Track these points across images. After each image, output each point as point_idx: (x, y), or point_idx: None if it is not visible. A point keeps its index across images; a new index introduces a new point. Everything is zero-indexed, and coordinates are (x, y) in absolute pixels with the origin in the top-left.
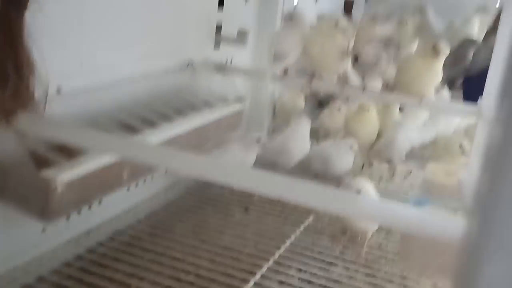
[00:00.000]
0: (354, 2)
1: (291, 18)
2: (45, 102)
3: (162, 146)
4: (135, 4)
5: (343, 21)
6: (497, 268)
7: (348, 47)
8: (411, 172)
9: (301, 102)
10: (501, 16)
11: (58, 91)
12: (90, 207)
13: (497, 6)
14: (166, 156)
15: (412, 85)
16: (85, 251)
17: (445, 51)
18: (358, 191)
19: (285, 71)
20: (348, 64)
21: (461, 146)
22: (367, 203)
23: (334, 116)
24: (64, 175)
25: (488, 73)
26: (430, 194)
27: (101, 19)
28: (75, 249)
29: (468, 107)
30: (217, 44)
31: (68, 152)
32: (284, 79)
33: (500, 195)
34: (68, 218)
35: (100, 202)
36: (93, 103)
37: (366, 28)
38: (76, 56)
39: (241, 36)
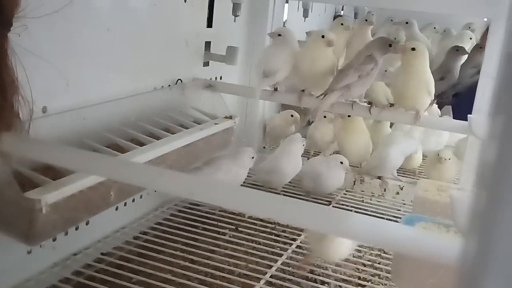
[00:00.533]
0: (343, 18)
1: (279, 34)
2: (30, 122)
3: (150, 166)
4: (123, 22)
5: (330, 34)
6: None
7: (337, 63)
8: (403, 188)
9: (291, 128)
10: (488, 32)
11: (44, 111)
12: (77, 228)
13: (485, 20)
14: (154, 176)
15: (408, 96)
16: (72, 273)
17: (412, 45)
18: None
19: (275, 88)
20: None
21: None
22: (358, 222)
23: (323, 129)
24: (50, 196)
25: (477, 88)
26: (422, 211)
27: (88, 38)
28: (62, 271)
29: (458, 123)
30: (206, 61)
31: (54, 173)
32: (274, 96)
33: (498, 214)
34: (54, 239)
35: (87, 223)
36: (80, 122)
37: (359, 33)
38: (62, 76)
39: (230, 54)
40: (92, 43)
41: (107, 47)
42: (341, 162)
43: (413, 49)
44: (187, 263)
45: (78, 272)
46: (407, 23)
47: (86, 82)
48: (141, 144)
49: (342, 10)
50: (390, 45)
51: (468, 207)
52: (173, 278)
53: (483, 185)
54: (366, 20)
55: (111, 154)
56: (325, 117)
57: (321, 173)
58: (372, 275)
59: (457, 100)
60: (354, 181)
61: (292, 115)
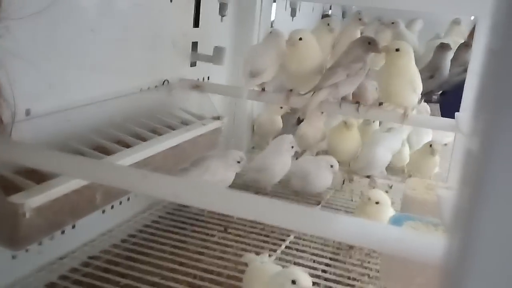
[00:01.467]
0: (330, 19)
1: (269, 34)
2: (13, 125)
3: (134, 169)
4: (107, 23)
5: (296, 33)
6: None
7: (325, 62)
8: (391, 186)
9: (278, 121)
10: (475, 30)
11: (27, 113)
12: (63, 231)
13: (472, 18)
14: (139, 178)
15: (392, 93)
16: (58, 278)
17: (396, 46)
18: None
19: (263, 88)
20: None
21: (431, 146)
22: (346, 223)
23: (313, 127)
24: (34, 200)
25: (464, 86)
26: (410, 209)
27: (72, 39)
28: (48, 276)
29: (445, 121)
30: (193, 62)
31: (38, 176)
32: (262, 96)
33: (481, 210)
34: (40, 243)
35: (73, 226)
36: (64, 125)
37: (349, 31)
38: (45, 77)
39: (218, 54)
40: (76, 44)
41: (92, 48)
42: (331, 166)
43: (397, 49)
44: (175, 266)
45: (64, 277)
46: (393, 23)
47: (70, 84)
48: (128, 146)
49: (330, 9)
50: (369, 43)
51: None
52: (162, 281)
53: (466, 182)
54: (360, 20)
55: (96, 157)
56: (322, 113)
57: (309, 172)
58: (361, 275)
59: (444, 99)
60: (343, 181)
61: (281, 107)
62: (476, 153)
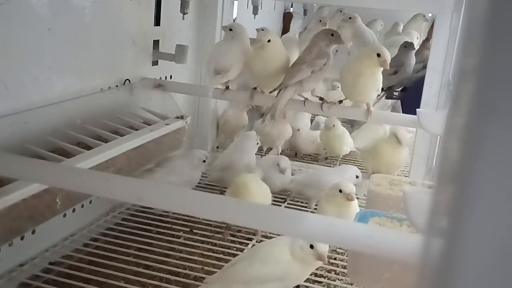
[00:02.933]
0: (292, 16)
1: (231, 29)
2: None
3: (96, 172)
4: (65, 21)
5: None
6: None
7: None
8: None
9: (244, 117)
10: (434, 26)
11: None
12: (22, 238)
13: (429, 15)
14: (100, 182)
15: (356, 92)
16: (18, 286)
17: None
18: None
19: (227, 86)
20: None
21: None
22: (312, 222)
23: (277, 126)
24: None
25: (424, 83)
26: (375, 205)
27: (28, 38)
28: (8, 284)
29: (407, 117)
30: (155, 61)
31: None
32: (226, 94)
33: (464, 209)
34: None
35: (33, 232)
36: (21, 127)
37: (315, 31)
38: (0, 79)
39: (180, 52)
40: (33, 44)
41: (49, 48)
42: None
43: (378, 55)
44: (141, 269)
45: (25, 284)
46: (350, 18)
47: (27, 85)
48: (88, 147)
49: (292, 7)
50: (332, 35)
51: (424, 202)
52: (127, 285)
53: (447, 180)
54: (320, 21)
55: (56, 160)
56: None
57: (273, 171)
58: (328, 271)
59: (405, 95)
60: None
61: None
62: (456, 150)
